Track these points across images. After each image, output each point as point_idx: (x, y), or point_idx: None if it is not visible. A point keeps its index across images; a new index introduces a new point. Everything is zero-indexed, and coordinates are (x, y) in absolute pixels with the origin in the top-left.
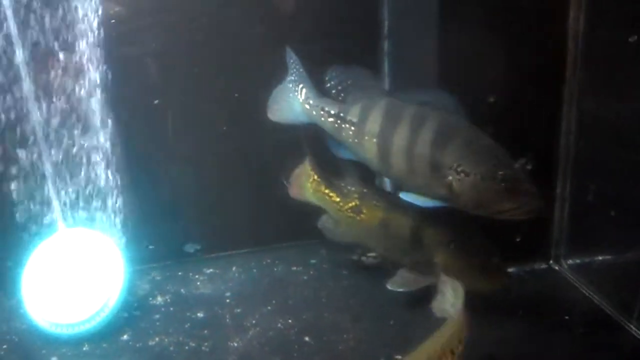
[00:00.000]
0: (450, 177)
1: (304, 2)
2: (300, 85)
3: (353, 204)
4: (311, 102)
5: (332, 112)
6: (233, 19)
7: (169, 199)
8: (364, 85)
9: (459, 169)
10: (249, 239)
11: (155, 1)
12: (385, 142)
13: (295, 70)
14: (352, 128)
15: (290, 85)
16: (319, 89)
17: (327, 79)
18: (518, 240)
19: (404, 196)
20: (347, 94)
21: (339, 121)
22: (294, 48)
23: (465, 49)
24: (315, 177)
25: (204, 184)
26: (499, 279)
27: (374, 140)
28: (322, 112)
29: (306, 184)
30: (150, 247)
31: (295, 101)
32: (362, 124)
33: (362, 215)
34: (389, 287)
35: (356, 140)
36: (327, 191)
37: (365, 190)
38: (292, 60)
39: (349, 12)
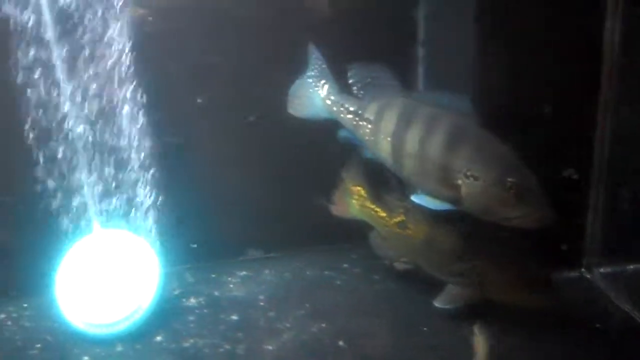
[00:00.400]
0: (459, 181)
1: (339, 5)
2: (323, 81)
3: (399, 219)
4: (332, 98)
5: (351, 109)
6: (269, 20)
7: (202, 200)
8: (383, 83)
9: (468, 173)
10: (280, 242)
11: (191, 2)
12: (399, 142)
13: (317, 66)
14: (369, 126)
15: (311, 81)
16: (341, 85)
17: (348, 75)
18: (555, 248)
19: (416, 198)
20: (367, 92)
21: (357, 118)
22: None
23: (501, 58)
24: (362, 192)
25: (236, 186)
26: (545, 295)
27: (389, 139)
28: (342, 109)
29: (351, 200)
30: (193, 245)
31: (316, 96)
32: (378, 122)
33: (407, 231)
34: (436, 304)
35: (372, 138)
36: (373, 206)
37: (410, 205)
38: (315, 56)
39: (384, 17)
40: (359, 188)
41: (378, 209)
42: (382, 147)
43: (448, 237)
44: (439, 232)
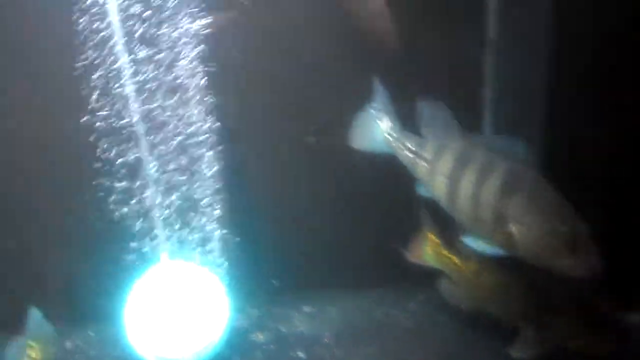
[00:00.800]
0: (512, 228)
1: (406, 42)
2: (385, 117)
3: (473, 266)
4: (393, 134)
5: (411, 147)
6: (337, 52)
7: (269, 234)
8: (443, 123)
9: (521, 221)
10: (346, 278)
11: (257, 22)
12: (454, 185)
13: (381, 101)
14: (427, 165)
15: (374, 115)
16: (402, 122)
17: (410, 113)
18: (620, 289)
19: (468, 240)
20: (427, 131)
21: (415, 157)
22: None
23: (574, 101)
24: (435, 239)
25: (303, 220)
26: (625, 338)
27: (445, 180)
28: (401, 146)
29: (425, 247)
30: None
31: (378, 131)
32: (436, 162)
33: (482, 278)
34: (513, 354)
35: (429, 178)
36: (446, 253)
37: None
38: (379, 91)
39: (451, 56)
40: (431, 235)
41: (452, 256)
42: (438, 187)
43: (522, 283)
44: (513, 278)
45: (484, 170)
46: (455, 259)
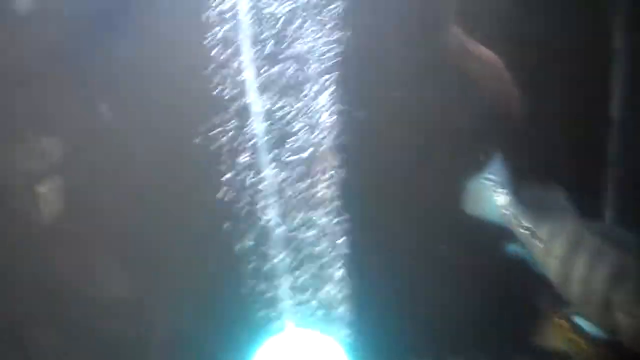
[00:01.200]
0: (619, 317)
1: (531, 119)
2: (503, 191)
3: (601, 351)
4: (510, 209)
5: (526, 225)
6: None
7: (387, 304)
8: (558, 207)
9: (627, 311)
10: (462, 350)
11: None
12: (565, 268)
13: (499, 174)
14: (540, 245)
15: (492, 186)
16: (519, 198)
17: (527, 191)
18: None
19: (578, 320)
20: (542, 212)
21: (529, 235)
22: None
23: None
24: (562, 322)
25: (422, 292)
26: None
27: (557, 262)
28: (516, 221)
29: (553, 330)
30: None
31: (493, 203)
32: (550, 244)
33: None
34: None
35: (542, 257)
36: (574, 336)
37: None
38: (498, 163)
39: (575, 136)
40: (558, 318)
41: (579, 339)
42: (551, 267)
43: None
44: None
45: (594, 258)
46: (583, 343)
